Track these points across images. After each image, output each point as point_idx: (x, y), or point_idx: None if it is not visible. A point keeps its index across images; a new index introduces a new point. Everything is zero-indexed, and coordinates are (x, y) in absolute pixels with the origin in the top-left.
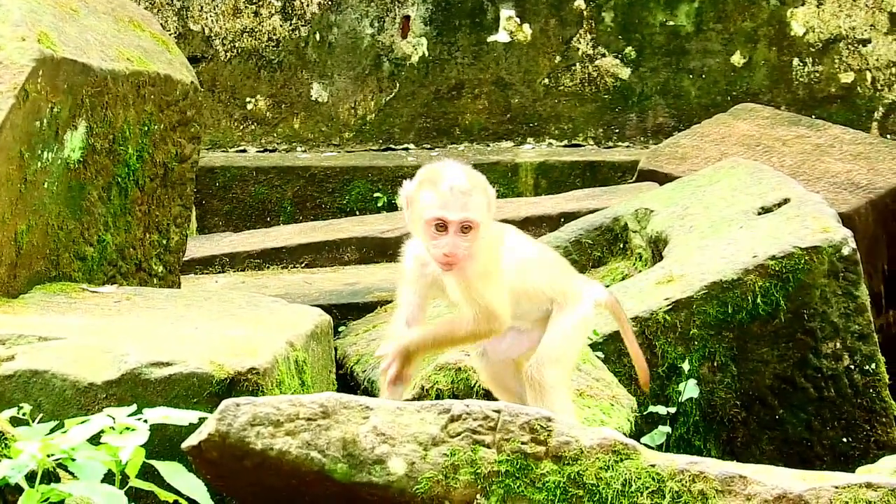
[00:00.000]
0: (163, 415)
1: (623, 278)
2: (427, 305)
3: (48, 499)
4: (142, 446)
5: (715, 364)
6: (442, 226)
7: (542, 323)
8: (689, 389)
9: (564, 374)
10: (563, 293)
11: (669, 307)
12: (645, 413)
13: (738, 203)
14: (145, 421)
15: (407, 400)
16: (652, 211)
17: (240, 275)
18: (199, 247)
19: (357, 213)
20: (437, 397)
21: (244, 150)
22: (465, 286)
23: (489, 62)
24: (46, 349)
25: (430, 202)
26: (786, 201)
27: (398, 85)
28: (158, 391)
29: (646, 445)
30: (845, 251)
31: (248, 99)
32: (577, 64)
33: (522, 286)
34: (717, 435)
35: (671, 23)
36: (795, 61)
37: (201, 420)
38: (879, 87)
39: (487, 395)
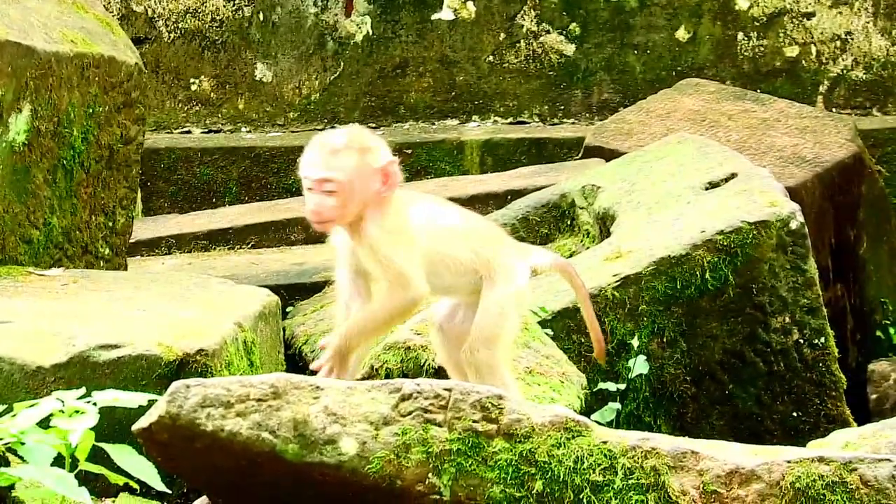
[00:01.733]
0: (112, 397)
1: (571, 255)
2: (363, 282)
3: None
4: (91, 429)
5: (664, 340)
6: (308, 185)
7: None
8: (639, 365)
9: (500, 353)
10: (489, 265)
11: (618, 283)
12: (595, 390)
13: (686, 178)
14: (94, 404)
15: (357, 380)
16: (599, 187)
17: (186, 256)
18: (145, 229)
19: (302, 193)
20: (387, 376)
21: (189, 132)
22: (371, 251)
23: (433, 40)
24: None
25: (301, 161)
26: (733, 176)
27: (342, 64)
28: (107, 374)
29: (596, 422)
30: (793, 225)
31: (192, 80)
32: (522, 41)
33: (439, 255)
34: (667, 411)
35: None
36: (740, 35)
37: (151, 402)
38: (824, 61)
39: (437, 374)
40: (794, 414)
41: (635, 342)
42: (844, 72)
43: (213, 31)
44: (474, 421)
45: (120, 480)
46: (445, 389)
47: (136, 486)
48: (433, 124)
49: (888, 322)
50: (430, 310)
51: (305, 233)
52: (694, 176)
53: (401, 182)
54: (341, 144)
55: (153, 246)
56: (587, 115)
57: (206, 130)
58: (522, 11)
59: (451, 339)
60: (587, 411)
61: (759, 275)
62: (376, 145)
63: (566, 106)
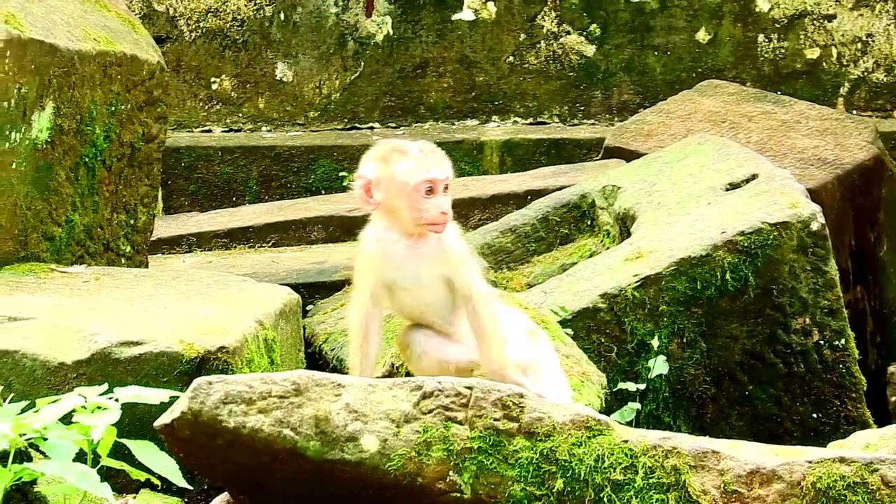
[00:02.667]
0: (134, 394)
1: (591, 255)
2: (377, 314)
3: (20, 478)
4: (113, 425)
5: (684, 340)
6: (430, 189)
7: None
8: (659, 366)
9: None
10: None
11: (638, 283)
12: (614, 390)
13: (706, 179)
14: (116, 400)
15: (378, 377)
16: (619, 188)
17: (207, 254)
18: (166, 227)
19: (322, 192)
20: (408, 374)
21: (209, 130)
22: (457, 259)
23: (454, 40)
24: (16, 329)
25: (412, 168)
26: (754, 177)
27: (363, 64)
28: (128, 370)
29: (615, 422)
30: (814, 226)
31: (212, 79)
32: (542, 41)
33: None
34: (686, 411)
35: None
36: (761, 37)
37: (173, 399)
38: (845, 63)
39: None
40: (814, 415)
41: (655, 342)
42: (865, 74)
43: (234, 31)
44: (495, 419)
45: (141, 476)
46: (467, 387)
47: (157, 482)
48: (453, 124)
49: None
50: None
51: (326, 231)
52: (714, 177)
53: None
54: (433, 147)
55: (174, 244)
56: (607, 115)
57: (227, 129)
58: (543, 12)
59: (430, 368)
60: (607, 411)
61: (780, 276)
62: None
63: (586, 107)
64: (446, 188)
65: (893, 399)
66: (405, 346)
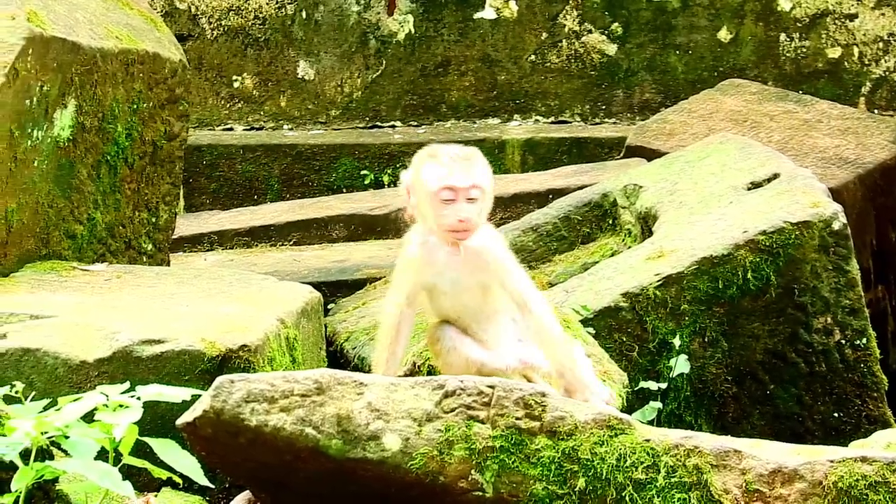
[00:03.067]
0: (156, 392)
1: (612, 254)
2: (410, 318)
3: (42, 476)
4: (135, 423)
5: (706, 339)
6: (450, 197)
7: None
8: (680, 365)
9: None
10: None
11: (660, 283)
12: (636, 389)
13: (728, 178)
14: (138, 398)
15: (400, 376)
16: (641, 187)
17: (228, 252)
18: (187, 225)
19: (344, 190)
20: (430, 373)
21: (231, 129)
22: (503, 268)
23: (475, 39)
24: (38, 327)
25: (435, 174)
26: (775, 176)
27: (385, 62)
28: (150, 369)
29: (637, 421)
30: (836, 226)
31: (234, 77)
32: (564, 40)
33: None
34: (708, 410)
35: None
36: (782, 36)
37: (194, 397)
38: (867, 62)
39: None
40: (836, 414)
41: (677, 341)
42: (887, 73)
43: (256, 29)
44: (517, 418)
45: (163, 475)
46: (489, 386)
47: (179, 480)
48: (475, 123)
49: None
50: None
51: (347, 230)
52: (736, 176)
53: None
54: (474, 153)
55: (195, 242)
56: (629, 114)
57: (249, 127)
58: (564, 11)
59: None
60: (628, 410)
61: (801, 275)
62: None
63: (608, 106)
64: (473, 198)
65: None
66: (435, 340)
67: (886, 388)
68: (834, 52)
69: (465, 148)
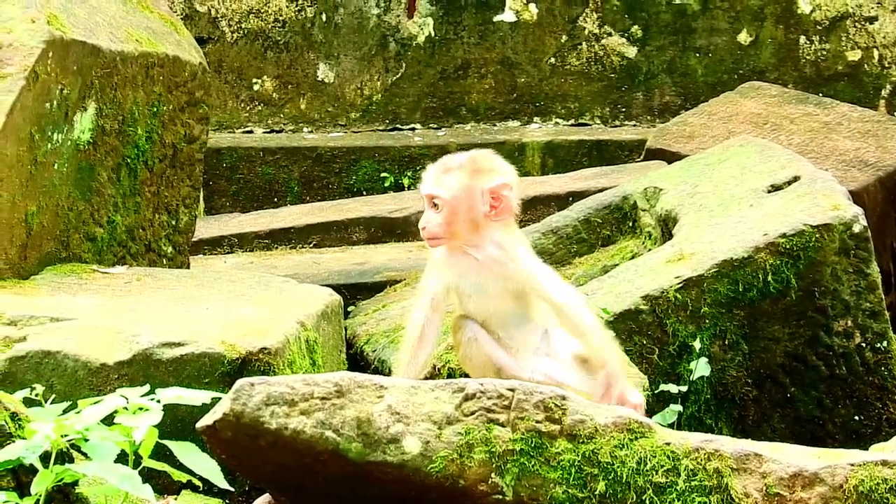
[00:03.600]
0: (176, 395)
1: (633, 257)
2: (437, 323)
3: (62, 479)
4: (155, 426)
5: (726, 342)
6: (424, 204)
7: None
8: (701, 368)
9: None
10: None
11: (680, 285)
12: (656, 392)
13: (748, 181)
14: (158, 401)
15: (420, 379)
16: (661, 189)
17: (248, 255)
18: (207, 227)
19: (364, 193)
20: (450, 376)
21: (251, 131)
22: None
23: (495, 42)
24: (58, 330)
25: (424, 180)
26: (796, 179)
27: (404, 65)
28: (170, 371)
29: (657, 424)
30: (856, 228)
31: (254, 80)
32: (584, 43)
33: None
34: (728, 413)
35: (677, 1)
36: (802, 39)
37: (214, 400)
38: (887, 65)
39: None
40: (856, 417)
41: (697, 344)
42: None
43: (276, 32)
44: (537, 421)
45: (183, 478)
46: (509, 389)
47: (198, 483)
48: (494, 126)
49: None
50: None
51: (367, 233)
52: (756, 179)
53: (516, 207)
54: (454, 164)
55: (215, 245)
56: (649, 117)
57: (269, 130)
58: (584, 14)
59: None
60: (648, 413)
61: (822, 278)
62: (493, 168)
63: (628, 108)
64: (435, 205)
65: None
66: (457, 329)
67: None
68: (854, 55)
69: (464, 157)
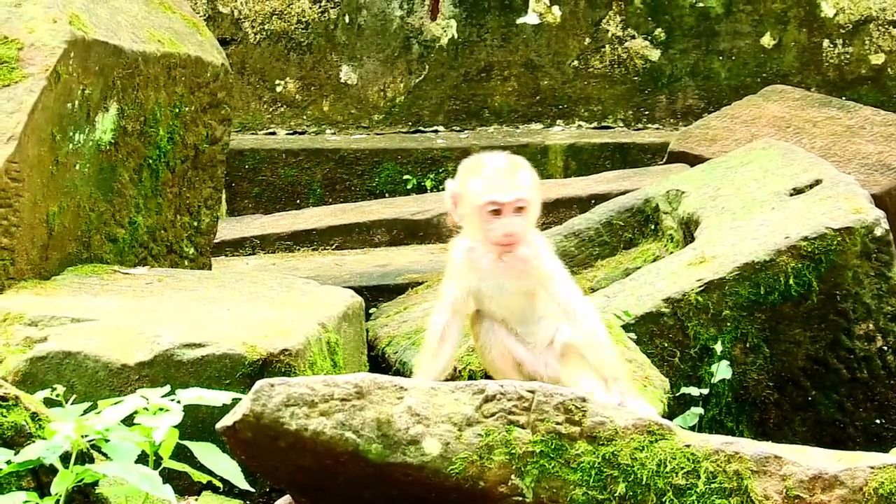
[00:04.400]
0: (196, 395)
1: (654, 259)
2: (458, 326)
3: (82, 479)
4: (175, 427)
5: (747, 345)
6: (496, 210)
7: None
8: (722, 371)
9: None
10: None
11: (702, 288)
12: (677, 394)
13: (770, 184)
14: (179, 402)
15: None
16: (683, 192)
17: (270, 257)
18: (229, 229)
19: (386, 195)
20: (470, 378)
21: (273, 133)
22: (551, 279)
23: (518, 44)
24: (79, 330)
25: (481, 188)
26: (818, 182)
27: (427, 67)
28: (191, 372)
29: (678, 426)
30: (878, 232)
31: (277, 81)
32: (607, 46)
33: None
34: (749, 416)
35: (701, 4)
36: (826, 43)
37: (235, 401)
38: None
39: None
40: (877, 421)
41: (718, 347)
42: None
43: (299, 33)
44: (557, 423)
45: (203, 479)
46: (529, 391)
47: (219, 484)
48: (517, 128)
49: None
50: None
51: (389, 235)
52: (778, 182)
53: None
54: (518, 164)
55: (237, 246)
56: (671, 120)
57: (291, 132)
58: (608, 16)
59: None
60: (670, 416)
61: (843, 281)
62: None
63: (650, 111)
64: (520, 209)
65: None
66: (475, 321)
67: None
68: (877, 59)
69: (510, 158)
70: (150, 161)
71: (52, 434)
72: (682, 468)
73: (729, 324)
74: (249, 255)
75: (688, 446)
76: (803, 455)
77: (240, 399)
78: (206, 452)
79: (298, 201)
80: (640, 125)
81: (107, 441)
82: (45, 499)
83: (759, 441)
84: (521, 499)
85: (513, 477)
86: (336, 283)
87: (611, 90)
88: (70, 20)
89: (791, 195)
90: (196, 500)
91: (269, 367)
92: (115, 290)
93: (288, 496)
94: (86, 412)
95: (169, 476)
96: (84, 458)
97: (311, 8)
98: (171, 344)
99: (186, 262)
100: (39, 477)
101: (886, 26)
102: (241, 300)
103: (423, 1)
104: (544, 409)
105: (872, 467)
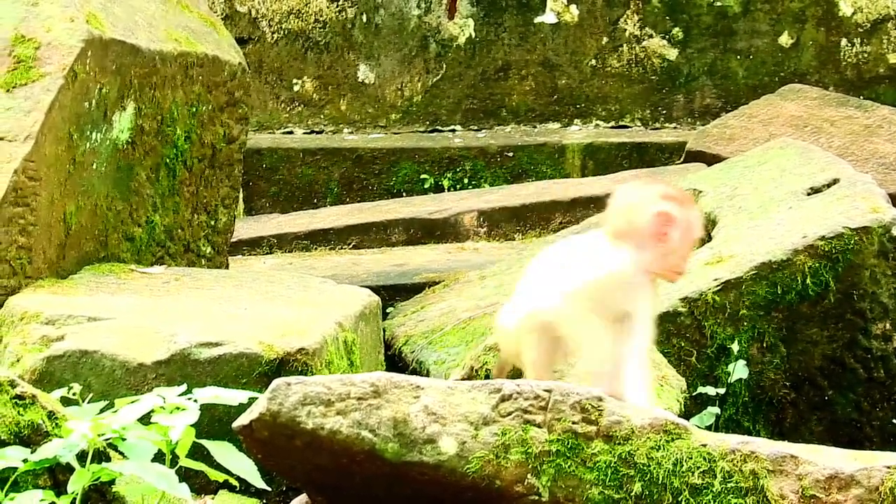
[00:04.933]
0: (213, 394)
1: None
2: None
3: (99, 478)
4: (192, 426)
5: (764, 345)
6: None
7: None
8: (739, 370)
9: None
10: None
11: (719, 288)
12: (694, 394)
13: (788, 184)
14: (195, 401)
15: (457, 380)
16: (700, 191)
17: (287, 256)
18: (247, 228)
19: (403, 194)
20: (487, 377)
21: (291, 132)
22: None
23: (536, 43)
24: (96, 329)
25: (697, 223)
26: (835, 182)
27: (445, 66)
28: (207, 371)
29: (694, 426)
30: (895, 231)
31: (294, 80)
32: (625, 45)
33: None
34: (766, 416)
35: (718, 3)
36: (843, 42)
37: (251, 400)
38: None
39: None
40: (894, 421)
41: (735, 347)
42: None
43: (317, 32)
44: (574, 422)
45: (220, 477)
46: (545, 390)
47: (235, 483)
48: (535, 127)
49: None
50: None
51: (406, 234)
52: (796, 181)
53: None
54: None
55: (254, 245)
56: (689, 119)
57: (309, 131)
58: (625, 15)
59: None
60: (686, 415)
61: (860, 281)
62: None
63: (668, 110)
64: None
65: None
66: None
67: None
68: (895, 58)
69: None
70: (168, 160)
71: (68, 433)
72: (699, 467)
73: (746, 323)
74: (266, 254)
75: (704, 446)
76: (819, 455)
77: (256, 398)
78: (222, 451)
79: (315, 200)
80: (657, 124)
81: (123, 440)
82: (62, 497)
83: (775, 441)
84: (537, 498)
85: (529, 476)
86: (353, 283)
87: (628, 89)
88: (87, 19)
89: (808, 194)
90: (212, 498)
91: (285, 366)
92: (132, 288)
93: (304, 495)
94: (102, 411)
95: (185, 475)
96: (101, 456)
97: (328, 7)
98: (188, 343)
99: (203, 262)
100: (56, 475)
101: None
102: (257, 299)
103: (441, 0)
104: (561, 408)
105: (889, 467)
